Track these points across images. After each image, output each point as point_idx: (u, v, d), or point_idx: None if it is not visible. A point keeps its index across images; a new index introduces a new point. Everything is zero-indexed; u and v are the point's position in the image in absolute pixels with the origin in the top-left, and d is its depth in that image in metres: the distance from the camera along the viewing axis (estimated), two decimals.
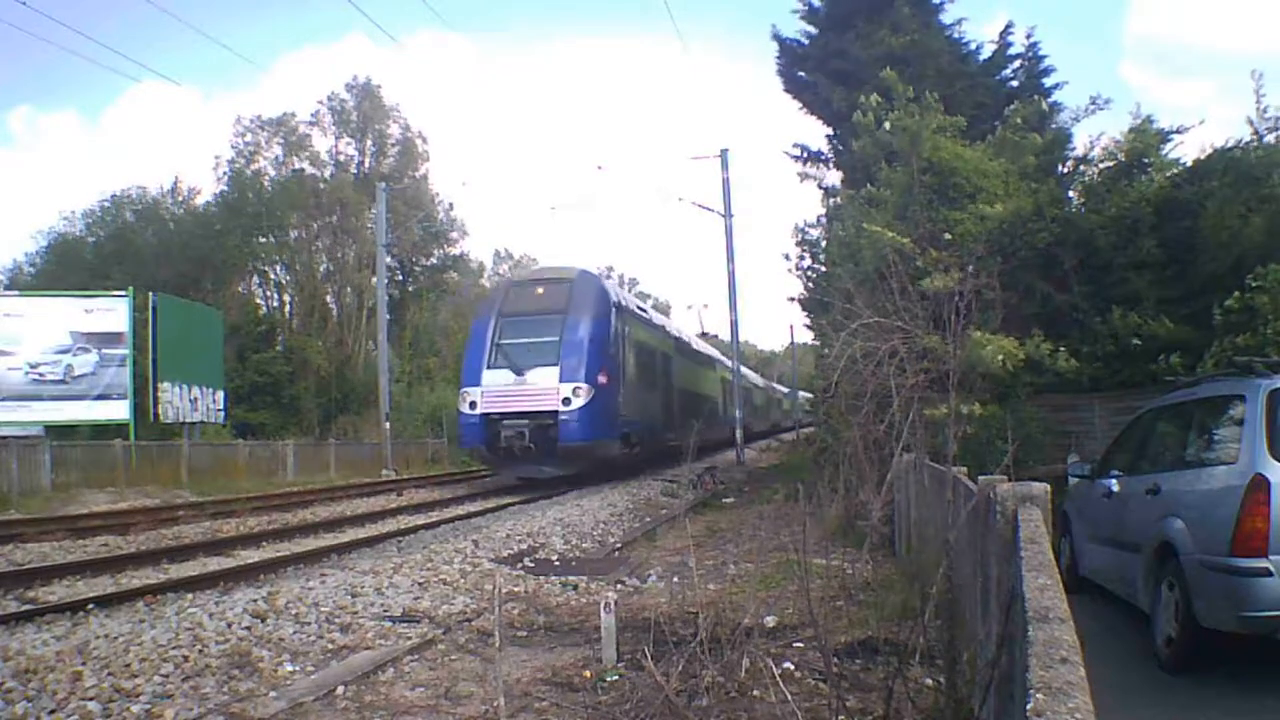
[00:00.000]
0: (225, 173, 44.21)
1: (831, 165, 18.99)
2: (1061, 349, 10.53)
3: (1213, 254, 10.55)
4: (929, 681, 4.42)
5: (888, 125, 13.42)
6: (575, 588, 8.68)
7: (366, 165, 47.04)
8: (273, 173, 45.54)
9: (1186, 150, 12.09)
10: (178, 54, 72.93)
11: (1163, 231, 11.08)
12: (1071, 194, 12.90)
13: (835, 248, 14.03)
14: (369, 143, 48.08)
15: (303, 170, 45.80)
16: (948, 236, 11.75)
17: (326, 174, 46.27)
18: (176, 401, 25.58)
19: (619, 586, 8.66)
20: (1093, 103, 13.82)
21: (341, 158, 47.63)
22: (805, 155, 19.44)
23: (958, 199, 12.39)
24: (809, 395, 34.99)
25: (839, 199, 15.93)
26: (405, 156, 48.29)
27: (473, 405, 18.45)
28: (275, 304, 46.10)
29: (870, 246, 12.04)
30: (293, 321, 44.96)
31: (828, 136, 18.97)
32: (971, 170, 12.57)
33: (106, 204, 42.09)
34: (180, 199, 43.18)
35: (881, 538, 9.71)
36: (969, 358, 9.19)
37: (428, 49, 67.10)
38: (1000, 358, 9.74)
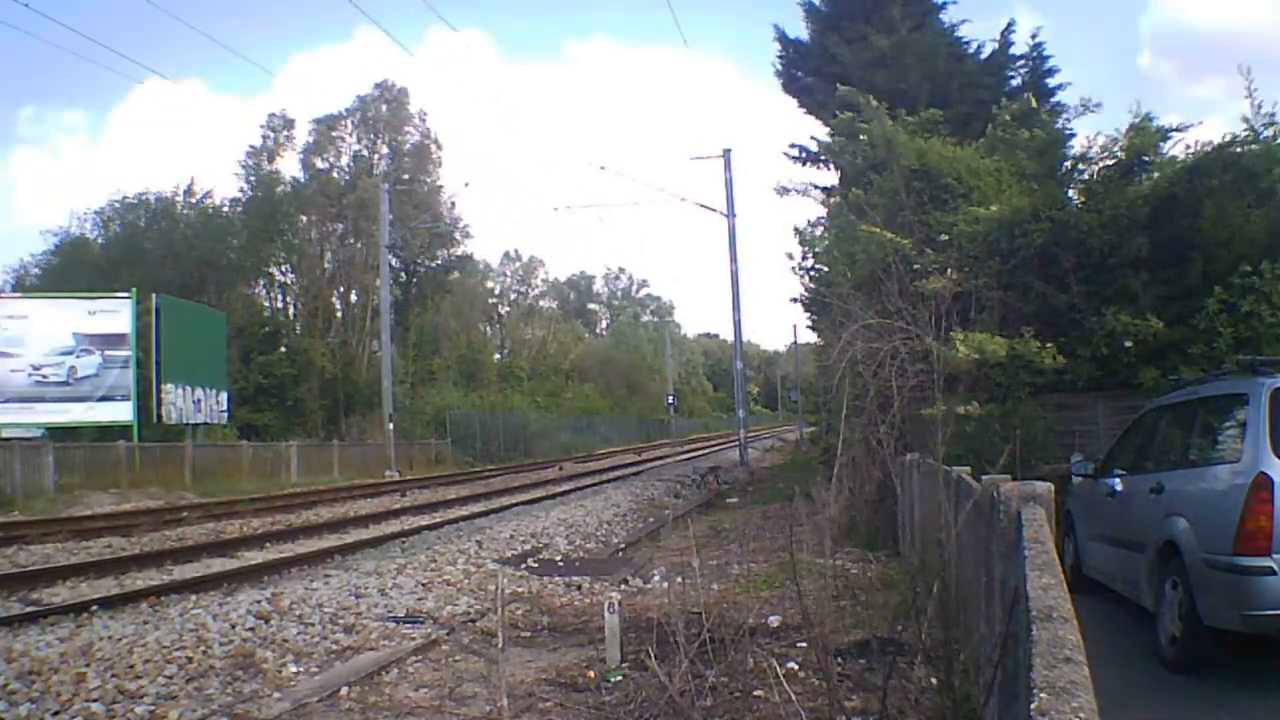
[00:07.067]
0: (247, 175, 44.49)
1: (831, 166, 18.97)
2: (1048, 345, 10.47)
3: (1211, 252, 10.51)
4: (934, 681, 4.41)
5: (864, 137, 13.43)
6: (579, 588, 8.68)
7: (383, 168, 47.10)
8: (297, 173, 46.12)
9: (1188, 149, 11.95)
10: (188, 52, 73.09)
11: (1159, 230, 11.03)
12: (1071, 193, 12.82)
13: (832, 246, 14.00)
14: (383, 146, 48.28)
15: (328, 170, 46.18)
16: (944, 237, 11.71)
17: (343, 176, 46.53)
18: (180, 403, 25.56)
19: (623, 587, 8.66)
20: (1083, 105, 13.78)
21: (362, 159, 47.85)
22: (804, 156, 19.42)
23: (949, 200, 12.34)
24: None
25: (835, 198, 15.89)
26: (419, 159, 48.34)
27: None
28: (280, 305, 46.15)
29: (864, 250, 12.01)
30: (296, 324, 44.95)
31: (823, 140, 18.95)
32: (963, 169, 12.51)
33: (117, 204, 41.48)
34: (194, 200, 42.94)
35: (887, 537, 9.72)
36: (950, 358, 9.19)
37: (432, 48, 67.49)
38: (975, 356, 9.66)
